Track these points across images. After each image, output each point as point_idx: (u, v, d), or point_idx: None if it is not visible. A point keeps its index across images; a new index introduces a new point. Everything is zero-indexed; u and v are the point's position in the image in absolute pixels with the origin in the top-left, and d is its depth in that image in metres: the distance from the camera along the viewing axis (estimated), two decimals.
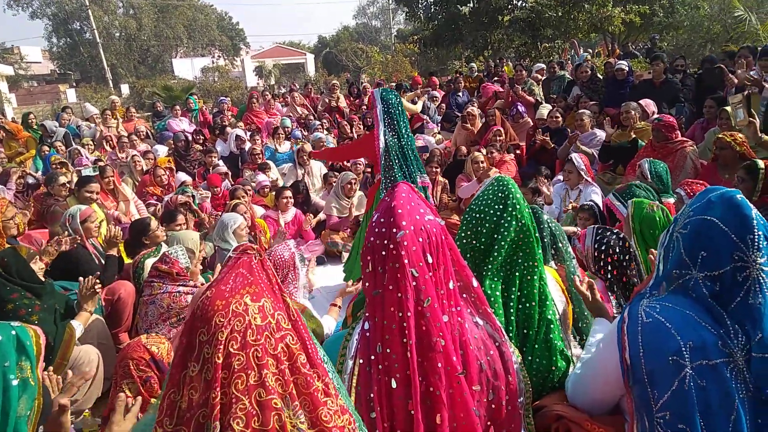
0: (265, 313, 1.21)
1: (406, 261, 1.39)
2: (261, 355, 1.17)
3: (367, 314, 1.47)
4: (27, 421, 1.76)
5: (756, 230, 1.39)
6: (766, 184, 3.79)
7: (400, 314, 1.39)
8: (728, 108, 5.10)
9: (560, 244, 2.17)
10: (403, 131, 4.11)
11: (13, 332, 1.78)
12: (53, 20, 36.34)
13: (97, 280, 3.16)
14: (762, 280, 1.39)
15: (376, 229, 1.45)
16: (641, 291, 1.63)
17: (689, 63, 7.74)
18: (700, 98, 6.37)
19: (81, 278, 3.15)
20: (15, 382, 1.73)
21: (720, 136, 4.44)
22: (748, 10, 12.40)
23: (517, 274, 1.83)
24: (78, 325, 2.99)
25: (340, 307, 3.52)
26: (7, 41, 33.69)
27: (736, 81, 5.68)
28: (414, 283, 1.40)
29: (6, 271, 2.95)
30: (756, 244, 1.39)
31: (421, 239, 1.42)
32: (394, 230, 1.41)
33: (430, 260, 1.43)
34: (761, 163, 3.79)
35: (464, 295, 1.58)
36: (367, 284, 1.47)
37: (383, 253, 1.41)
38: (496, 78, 10.56)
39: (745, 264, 1.39)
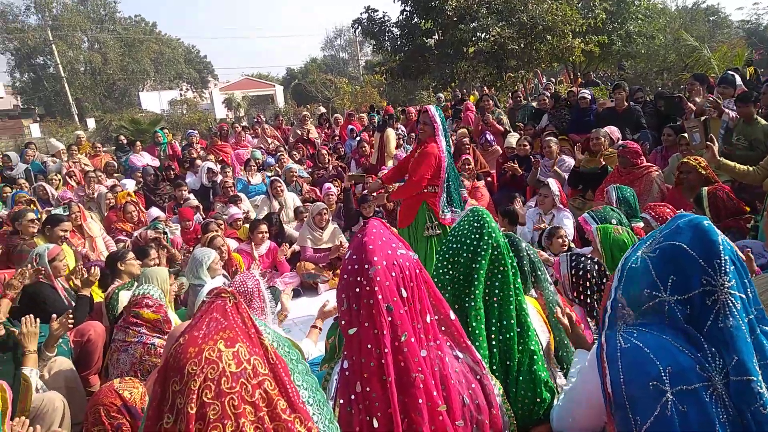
0: (240, 358, 1.18)
1: (380, 296, 1.38)
2: (237, 403, 1.13)
3: (345, 353, 1.45)
4: None
5: (722, 255, 1.42)
6: (726, 207, 3.93)
7: (378, 351, 1.37)
8: (686, 134, 5.29)
9: (539, 272, 2.18)
10: (450, 147, 4.43)
11: None
12: (16, 55, 35.84)
13: (69, 316, 3.08)
14: (731, 303, 1.41)
15: (349, 267, 1.44)
16: (606, 306, 1.63)
17: (648, 91, 8.03)
18: (659, 127, 6.59)
19: (23, 317, 3.04)
20: None
21: (685, 160, 4.58)
22: (699, 40, 13.00)
23: (495, 304, 1.83)
24: (30, 371, 2.87)
25: (320, 329, 3.44)
26: None
27: (694, 108, 5.90)
28: (389, 319, 1.38)
29: None
30: (723, 268, 1.41)
31: (394, 273, 1.42)
32: (366, 266, 1.40)
33: (404, 294, 1.42)
34: (704, 191, 3.95)
35: (443, 329, 1.57)
36: (343, 322, 1.44)
37: (357, 290, 1.40)
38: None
39: (714, 288, 1.42)
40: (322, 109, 14.50)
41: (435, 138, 4.28)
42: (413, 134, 9.94)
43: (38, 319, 3.06)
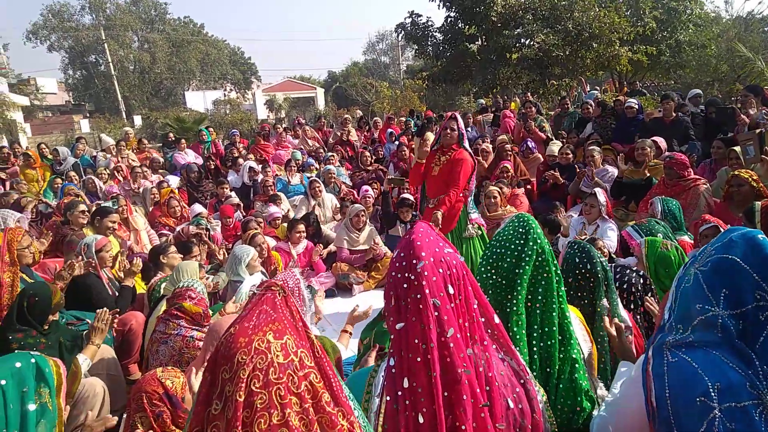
0: (287, 350, 1.20)
1: (427, 291, 1.39)
2: (284, 393, 1.16)
3: (392, 350, 1.46)
4: None
5: None
6: None
7: (424, 346, 1.38)
8: (737, 148, 5.12)
9: (610, 282, 2.17)
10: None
11: (33, 360, 1.83)
12: (70, 53, 37.24)
13: (116, 314, 3.18)
14: None
15: (397, 264, 1.46)
16: (661, 323, 1.61)
17: (700, 100, 7.82)
18: (710, 138, 6.41)
19: (98, 310, 3.16)
20: (32, 407, 1.77)
21: (736, 173, 4.43)
22: (753, 50, 12.56)
23: (537, 310, 1.81)
24: (84, 359, 2.97)
25: (351, 333, 3.47)
26: (24, 72, 34.40)
27: (748, 121, 5.71)
28: (436, 314, 1.39)
29: (29, 308, 2.97)
30: None
31: (441, 270, 1.43)
32: (414, 261, 1.42)
33: (451, 291, 1.43)
34: (757, 205, 3.81)
35: (488, 331, 1.57)
36: (391, 319, 1.46)
37: (405, 285, 1.42)
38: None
39: None
40: (359, 113, 14.58)
41: (463, 144, 4.49)
42: None
43: (110, 315, 3.17)
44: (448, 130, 4.51)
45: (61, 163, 9.15)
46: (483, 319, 1.53)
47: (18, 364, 1.81)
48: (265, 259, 5.07)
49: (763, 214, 3.72)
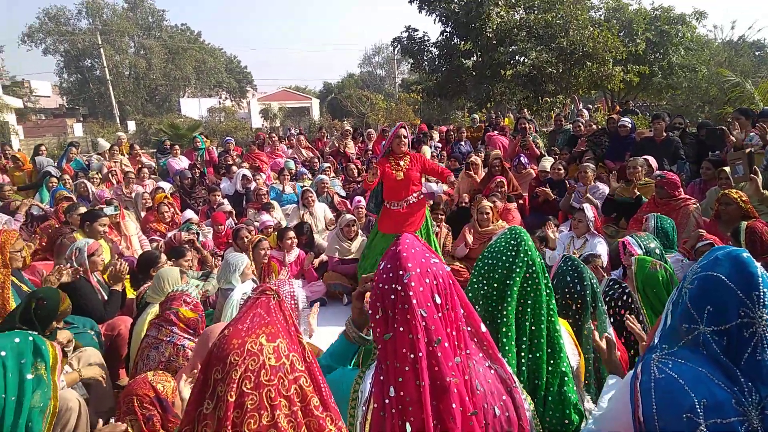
0: (279, 353, 1.22)
1: (414, 301, 1.39)
2: (274, 395, 1.17)
3: (378, 359, 1.46)
4: (41, 416, 1.94)
5: (761, 287, 1.40)
6: (763, 243, 3.84)
7: (412, 356, 1.38)
8: (727, 168, 5.20)
9: (599, 304, 2.20)
10: None
11: (30, 338, 2.01)
12: (65, 56, 37.20)
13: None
14: None
15: (384, 275, 1.46)
16: (650, 345, 1.63)
17: (688, 122, 7.95)
18: (700, 159, 6.50)
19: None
20: (30, 376, 1.93)
21: (726, 192, 4.50)
22: (743, 75, 12.80)
23: (527, 322, 1.82)
24: (61, 382, 2.93)
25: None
26: (19, 75, 34.23)
27: (735, 141, 5.81)
28: (424, 324, 1.40)
29: (36, 310, 2.97)
30: (762, 300, 1.39)
31: (428, 280, 1.44)
32: (401, 272, 1.42)
33: (438, 301, 1.43)
34: (743, 225, 3.87)
35: (475, 340, 1.58)
36: (378, 330, 1.46)
37: (392, 297, 1.42)
38: (497, 131, 10.76)
39: (752, 320, 1.40)
40: (348, 125, 14.62)
41: (410, 148, 5.16)
42: (444, 152, 10.03)
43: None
44: (402, 139, 5.02)
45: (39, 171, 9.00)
46: (469, 328, 1.54)
47: (17, 340, 1.98)
48: (263, 266, 5.07)
49: (748, 234, 3.78)
